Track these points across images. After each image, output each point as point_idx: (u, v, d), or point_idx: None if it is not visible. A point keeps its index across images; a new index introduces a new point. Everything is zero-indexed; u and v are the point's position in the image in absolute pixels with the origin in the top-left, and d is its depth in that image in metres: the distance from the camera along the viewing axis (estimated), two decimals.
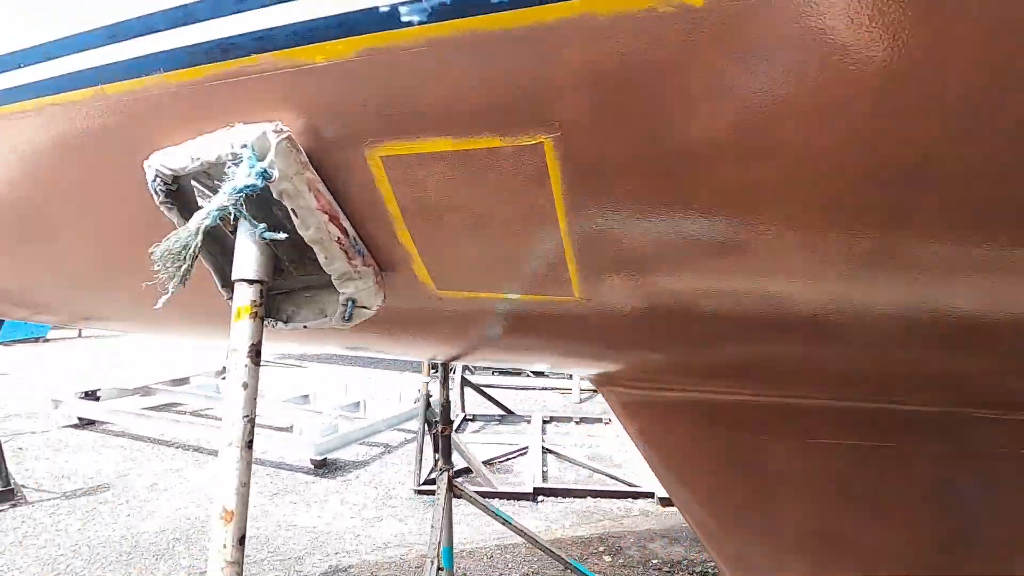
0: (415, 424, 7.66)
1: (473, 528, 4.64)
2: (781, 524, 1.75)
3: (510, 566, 4.12)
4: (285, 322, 1.18)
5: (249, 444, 0.99)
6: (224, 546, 0.96)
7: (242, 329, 1.01)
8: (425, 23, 0.79)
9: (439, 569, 2.97)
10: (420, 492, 5.30)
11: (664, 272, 1.04)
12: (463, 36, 0.78)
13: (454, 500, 3.32)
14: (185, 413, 7.53)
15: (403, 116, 0.89)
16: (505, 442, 7.04)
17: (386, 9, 0.80)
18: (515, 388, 10.14)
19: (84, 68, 1.07)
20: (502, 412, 8.28)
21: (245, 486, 0.99)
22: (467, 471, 5.86)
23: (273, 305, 1.20)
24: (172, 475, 5.66)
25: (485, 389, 8.47)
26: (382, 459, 6.37)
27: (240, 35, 0.90)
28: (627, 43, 0.75)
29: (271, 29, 0.88)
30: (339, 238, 1.03)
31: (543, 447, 6.67)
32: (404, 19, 0.79)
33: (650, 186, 0.89)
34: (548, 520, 4.89)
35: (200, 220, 0.97)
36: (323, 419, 6.10)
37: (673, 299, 1.10)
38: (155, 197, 1.12)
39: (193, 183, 1.08)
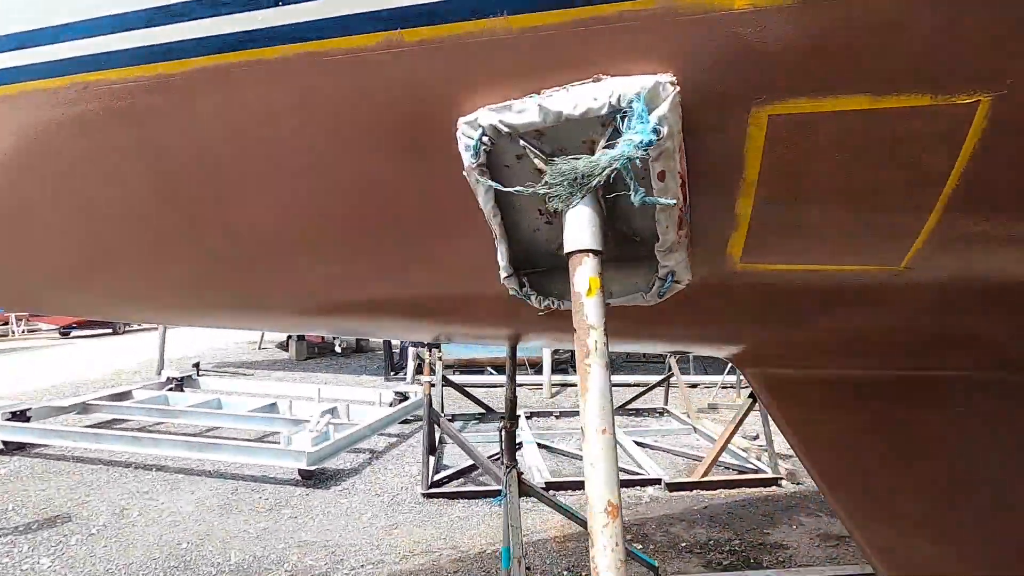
0: (396, 428, 7.44)
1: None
2: (935, 512, 1.82)
3: (567, 555, 4.06)
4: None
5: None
6: (615, 544, 0.85)
7: (593, 308, 0.90)
8: None
9: (527, 569, 2.87)
10: (429, 496, 5.10)
11: (994, 247, 1.04)
12: None
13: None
14: (132, 431, 6.78)
15: (826, 69, 0.82)
16: (493, 439, 6.95)
17: None
18: (485, 386, 10.02)
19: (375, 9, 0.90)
20: (481, 411, 8.17)
21: (618, 479, 0.89)
22: (468, 470, 5.73)
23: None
24: (141, 499, 5.08)
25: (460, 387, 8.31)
26: (372, 465, 6.07)
27: None
28: None
29: None
30: (682, 206, 0.94)
31: (537, 442, 6.64)
32: None
33: None
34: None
35: (611, 159, 0.84)
36: (312, 427, 5.71)
37: (968, 274, 1.11)
38: (470, 159, 0.97)
39: (522, 143, 0.95)
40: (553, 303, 1.16)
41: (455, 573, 3.84)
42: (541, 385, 10.08)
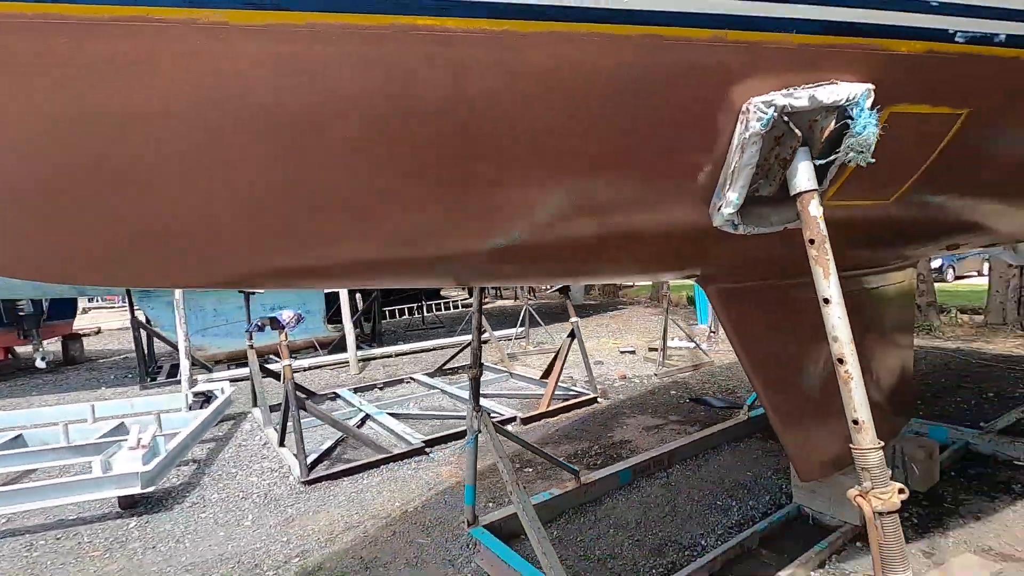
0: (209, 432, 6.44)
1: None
2: (811, 379, 2.93)
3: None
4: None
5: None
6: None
7: (820, 225, 1.45)
8: None
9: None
10: (311, 482, 4.82)
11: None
12: None
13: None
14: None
15: (919, 90, 1.52)
16: (316, 423, 6.69)
17: None
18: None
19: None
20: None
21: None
22: (330, 451, 5.51)
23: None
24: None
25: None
26: (207, 474, 5.28)
27: None
28: None
29: None
30: None
31: (387, 412, 6.69)
32: None
33: None
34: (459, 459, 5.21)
35: (867, 137, 1.35)
36: (133, 443, 4.64)
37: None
38: (761, 127, 1.35)
39: (785, 119, 1.38)
40: (746, 228, 1.67)
41: (396, 533, 3.90)
42: (347, 362, 9.84)
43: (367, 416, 6.64)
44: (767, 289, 2.88)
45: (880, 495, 1.43)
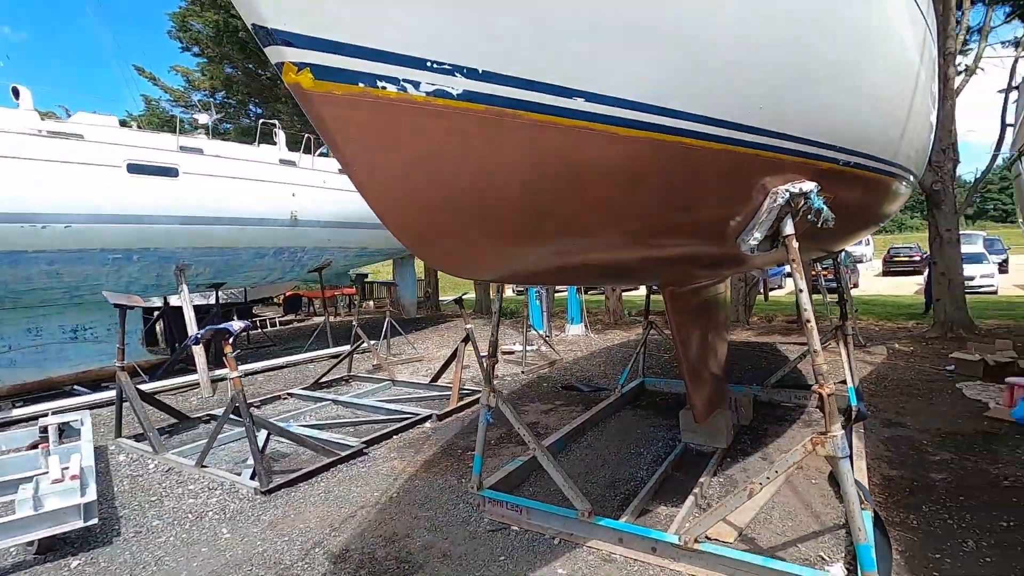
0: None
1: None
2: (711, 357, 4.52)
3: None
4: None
5: None
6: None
7: (798, 251, 2.86)
8: None
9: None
10: (271, 491, 4.83)
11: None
12: None
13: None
14: None
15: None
16: (190, 451, 6.37)
17: None
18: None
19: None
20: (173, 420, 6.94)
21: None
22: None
23: None
24: None
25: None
26: (129, 504, 4.81)
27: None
28: None
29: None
30: None
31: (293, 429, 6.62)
32: None
33: None
34: (412, 450, 5.67)
35: (821, 208, 2.70)
36: (56, 475, 4.04)
37: None
38: (783, 202, 2.64)
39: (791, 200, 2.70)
40: (755, 251, 2.98)
41: (397, 513, 4.36)
42: (196, 385, 8.96)
43: (270, 434, 6.52)
44: (691, 291, 4.40)
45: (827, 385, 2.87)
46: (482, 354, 10.33)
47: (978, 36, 11.52)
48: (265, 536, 4.14)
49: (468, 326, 7.86)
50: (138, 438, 6.52)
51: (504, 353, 10.97)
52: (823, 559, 3.48)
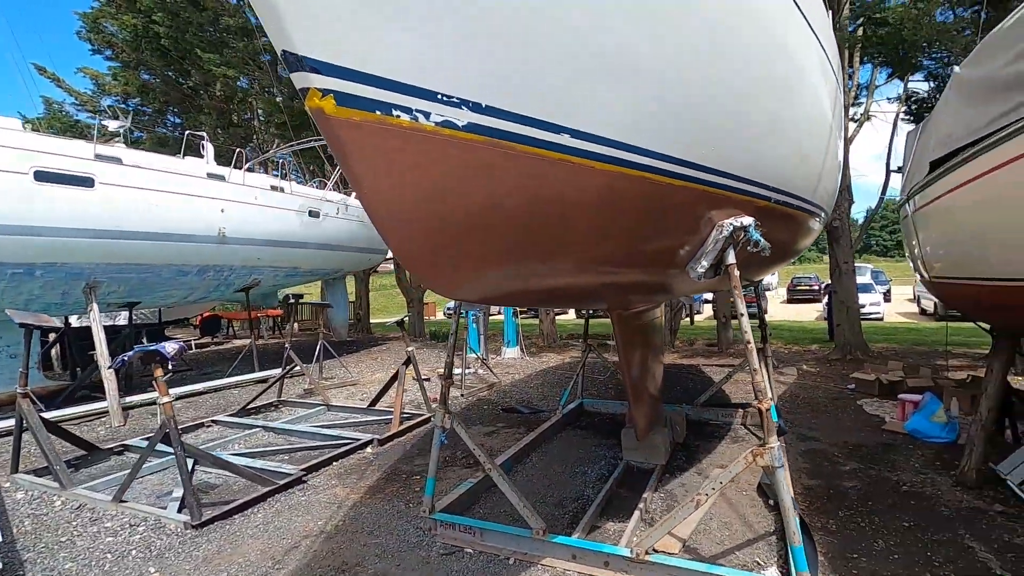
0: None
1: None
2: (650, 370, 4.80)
3: None
4: None
5: None
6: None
7: (738, 278, 3.14)
8: None
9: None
10: (204, 524, 4.52)
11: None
12: None
13: None
14: None
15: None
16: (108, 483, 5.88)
17: None
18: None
19: None
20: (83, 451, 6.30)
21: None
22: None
23: None
24: None
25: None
26: (31, 549, 4.32)
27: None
28: None
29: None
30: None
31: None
32: None
33: None
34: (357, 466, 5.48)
35: (760, 239, 2.98)
36: None
37: None
38: (727, 235, 2.90)
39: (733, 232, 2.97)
40: (702, 277, 3.25)
41: (344, 542, 4.21)
42: (105, 413, 8.20)
43: (196, 463, 6.10)
44: (635, 314, 4.67)
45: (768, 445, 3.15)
46: (423, 377, 10.25)
47: (866, 92, 13.12)
48: (200, 572, 3.88)
49: (409, 348, 7.78)
50: (39, 472, 5.89)
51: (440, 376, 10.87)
52: (759, 563, 3.75)
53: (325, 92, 1.48)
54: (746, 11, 2.52)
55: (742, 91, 2.67)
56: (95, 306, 8.48)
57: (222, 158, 11.36)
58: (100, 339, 8.28)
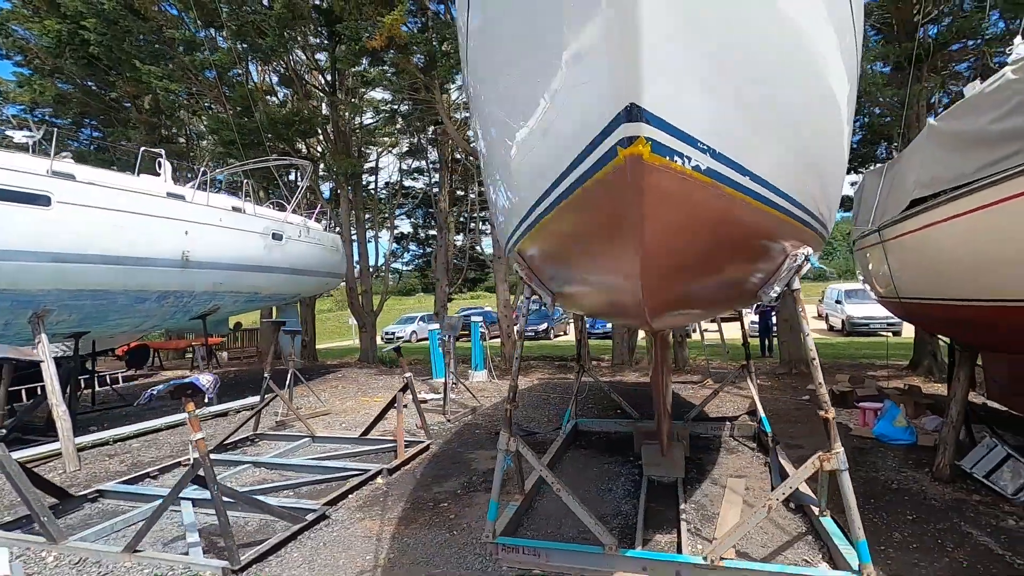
0: None
1: None
2: None
3: None
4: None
5: None
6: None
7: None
8: None
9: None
10: (242, 569, 4.23)
11: None
12: None
13: None
14: None
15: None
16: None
17: None
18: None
19: None
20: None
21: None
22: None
23: None
24: None
25: None
26: None
27: None
28: None
29: None
30: None
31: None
32: None
33: None
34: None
35: (816, 267, 3.34)
36: None
37: None
38: (801, 263, 3.27)
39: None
40: (772, 301, 3.60)
41: (409, 564, 4.13)
42: (57, 454, 7.35)
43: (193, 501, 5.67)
44: (666, 335, 4.97)
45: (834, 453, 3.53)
46: (369, 413, 10.04)
47: None
48: None
49: (408, 374, 7.68)
50: (8, 526, 5.23)
51: (421, 403, 10.70)
52: (807, 562, 4.11)
53: (656, 146, 1.65)
54: (836, 74, 2.93)
55: (828, 142, 3.09)
56: (43, 336, 7.65)
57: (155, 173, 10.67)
58: (51, 374, 7.46)
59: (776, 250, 3.15)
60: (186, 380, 4.22)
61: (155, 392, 4.25)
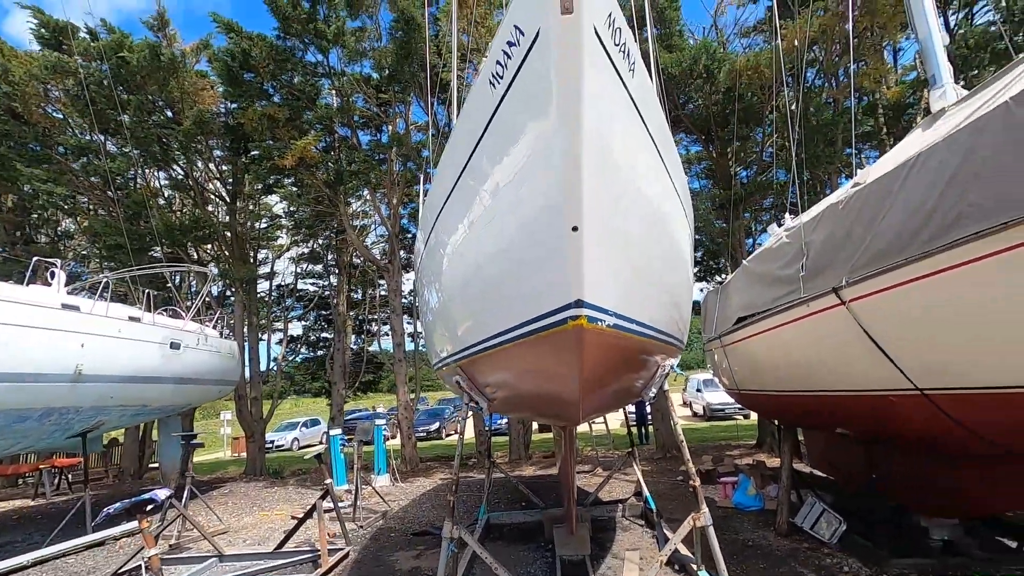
0: None
1: None
2: None
3: None
4: None
5: None
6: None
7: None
8: None
9: None
10: None
11: None
12: None
13: None
14: None
15: None
16: None
17: None
18: None
19: None
20: None
21: None
22: None
23: None
24: None
25: None
26: None
27: None
28: None
29: None
30: None
31: None
32: None
33: None
34: None
35: (674, 369, 4.68)
36: None
37: None
38: (670, 373, 4.61)
39: None
40: (652, 399, 4.89)
41: None
42: None
43: None
44: (573, 429, 6.15)
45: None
46: (272, 527, 9.94)
47: None
48: None
49: (328, 481, 7.93)
50: None
51: (325, 511, 10.56)
52: None
53: (590, 318, 2.85)
54: (683, 243, 4.50)
55: (681, 287, 4.63)
56: None
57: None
58: None
59: (652, 363, 4.51)
60: (143, 497, 4.43)
61: (111, 511, 4.37)
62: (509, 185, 2.93)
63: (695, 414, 28.50)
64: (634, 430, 22.09)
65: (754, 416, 15.40)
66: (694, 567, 5.83)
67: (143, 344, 10.25)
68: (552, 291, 2.89)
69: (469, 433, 29.79)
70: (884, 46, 14.16)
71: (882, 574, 5.64)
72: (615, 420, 29.72)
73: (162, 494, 4.48)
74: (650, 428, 16.72)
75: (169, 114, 14.82)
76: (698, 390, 27.73)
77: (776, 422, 7.99)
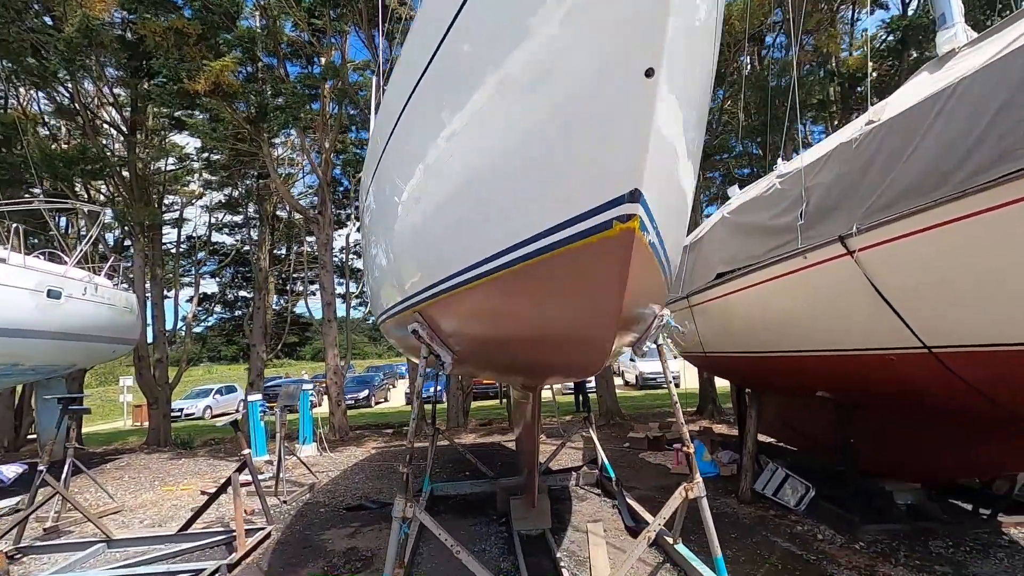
0: None
1: None
2: None
3: None
4: None
5: None
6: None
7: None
8: None
9: None
10: None
11: None
12: None
13: None
14: None
15: None
16: None
17: None
18: None
19: None
20: None
21: None
22: None
23: None
24: None
25: None
26: None
27: None
28: None
29: None
30: None
31: None
32: None
33: None
34: None
35: (670, 323, 4.06)
36: None
37: None
38: (665, 322, 3.92)
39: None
40: (646, 354, 4.21)
41: None
42: None
43: None
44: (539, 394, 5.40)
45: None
46: (177, 502, 8.83)
47: None
48: None
49: (246, 451, 6.80)
50: None
51: (243, 484, 9.34)
52: None
53: (642, 224, 2.01)
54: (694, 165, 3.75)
55: (685, 219, 3.90)
56: None
57: None
58: None
59: (650, 312, 3.79)
60: None
61: None
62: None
63: (627, 383, 28.95)
64: (570, 397, 21.99)
65: (690, 384, 15.47)
66: (669, 540, 5.34)
67: (9, 290, 8.43)
68: (593, 180, 2.04)
69: (400, 401, 28.83)
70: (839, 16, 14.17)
71: (857, 540, 5.40)
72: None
73: (10, 472, 3.29)
74: (591, 395, 16.49)
75: (48, 20, 12.32)
76: (632, 359, 28.10)
77: (740, 386, 7.67)
